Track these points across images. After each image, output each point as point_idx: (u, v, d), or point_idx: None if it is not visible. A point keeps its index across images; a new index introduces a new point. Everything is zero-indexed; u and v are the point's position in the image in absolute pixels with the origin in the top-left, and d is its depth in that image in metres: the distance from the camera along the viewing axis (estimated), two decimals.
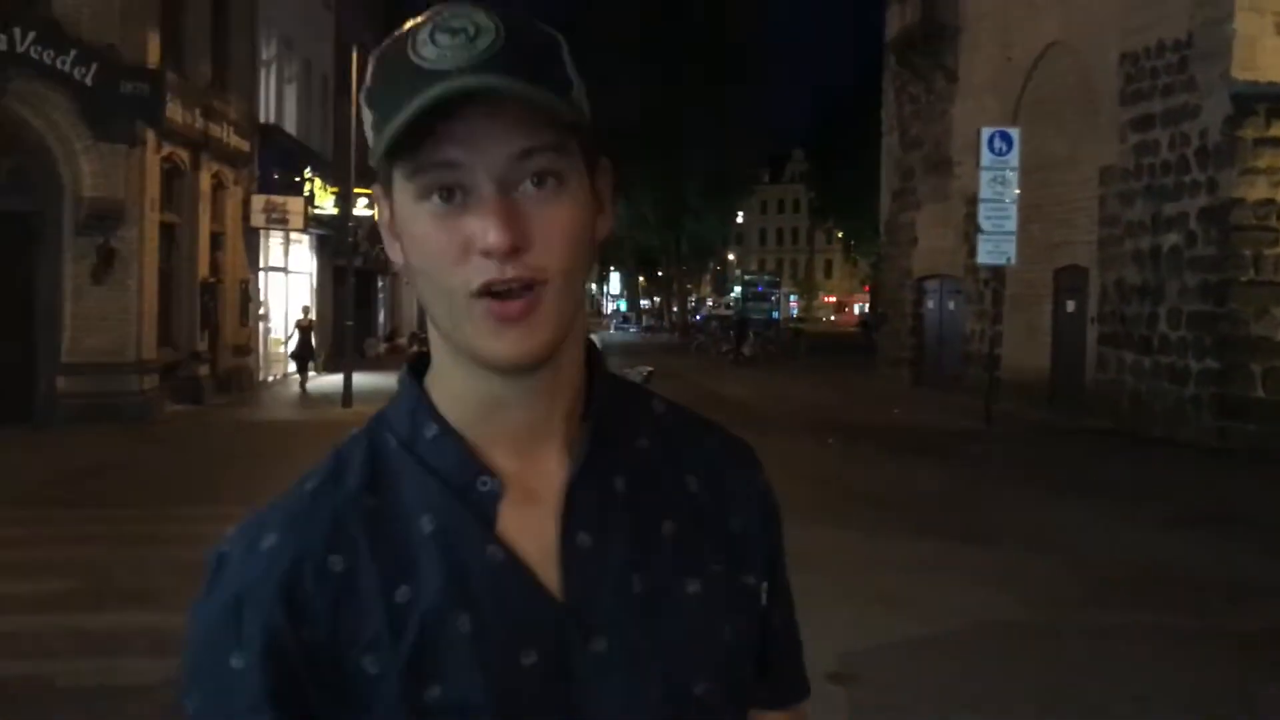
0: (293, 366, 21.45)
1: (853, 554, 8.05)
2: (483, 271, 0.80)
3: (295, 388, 20.60)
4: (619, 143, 47.72)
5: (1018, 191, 16.19)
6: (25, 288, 14.57)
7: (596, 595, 0.86)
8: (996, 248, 16.10)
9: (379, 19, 29.91)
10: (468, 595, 0.84)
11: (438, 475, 0.87)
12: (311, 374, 21.06)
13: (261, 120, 21.46)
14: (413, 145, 0.80)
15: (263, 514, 0.88)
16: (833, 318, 79.30)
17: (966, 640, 6.11)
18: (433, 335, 0.89)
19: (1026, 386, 19.01)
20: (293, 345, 21.27)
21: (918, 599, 6.87)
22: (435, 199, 0.81)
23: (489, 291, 0.80)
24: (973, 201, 16.65)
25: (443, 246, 0.81)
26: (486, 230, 0.79)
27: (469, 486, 0.86)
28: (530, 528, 0.86)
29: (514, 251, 0.79)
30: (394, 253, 0.88)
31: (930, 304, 24.35)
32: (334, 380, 19.62)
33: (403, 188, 0.82)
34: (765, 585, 0.97)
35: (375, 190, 0.89)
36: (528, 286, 0.81)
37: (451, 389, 0.88)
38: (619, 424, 0.93)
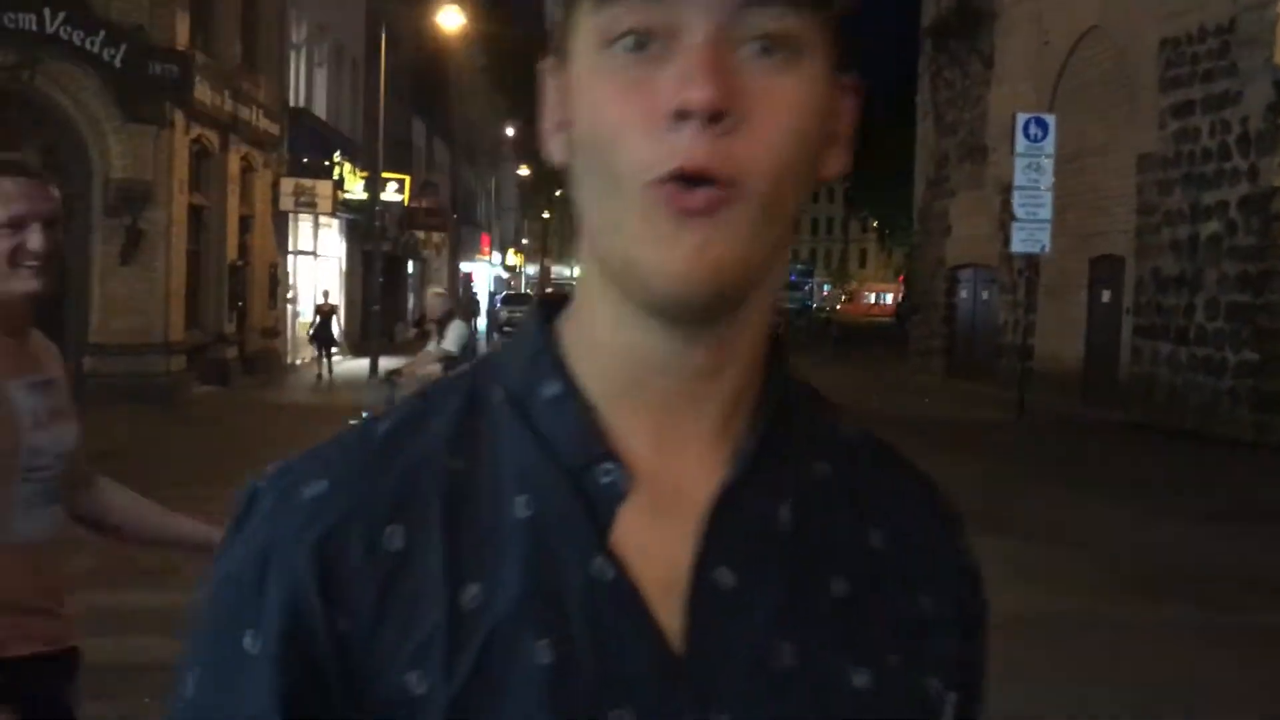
0: (315, 351, 21.55)
1: None
2: (671, 153, 0.60)
3: (318, 372, 20.63)
4: None
5: (1053, 179, 15.91)
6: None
7: (728, 655, 0.64)
8: (1031, 236, 15.85)
9: (411, 4, 29.90)
10: (556, 616, 0.63)
11: (549, 447, 0.66)
12: (337, 358, 21.12)
13: (291, 103, 21.50)
14: None
15: (317, 450, 0.68)
16: (836, 307, 78.05)
17: (994, 633, 5.97)
18: (582, 260, 0.69)
19: (1059, 378, 18.75)
20: (313, 330, 21.32)
21: None
22: (624, 45, 0.61)
23: (674, 178, 0.60)
24: (1007, 189, 16.41)
25: (623, 111, 0.61)
26: (687, 79, 0.59)
27: (587, 471, 0.66)
28: (656, 545, 0.65)
29: (718, 117, 0.59)
30: (556, 146, 0.68)
31: (964, 293, 24.09)
32: (360, 365, 19.65)
33: (585, 33, 0.63)
34: (952, 698, 0.72)
35: (544, 65, 0.69)
36: (724, 184, 0.60)
37: (590, 334, 0.68)
38: (796, 436, 0.71)
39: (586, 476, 0.65)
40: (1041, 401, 16.98)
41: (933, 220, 25.51)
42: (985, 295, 22.92)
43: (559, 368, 0.68)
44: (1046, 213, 15.75)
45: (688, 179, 0.59)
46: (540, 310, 0.71)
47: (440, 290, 11.05)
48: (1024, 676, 5.40)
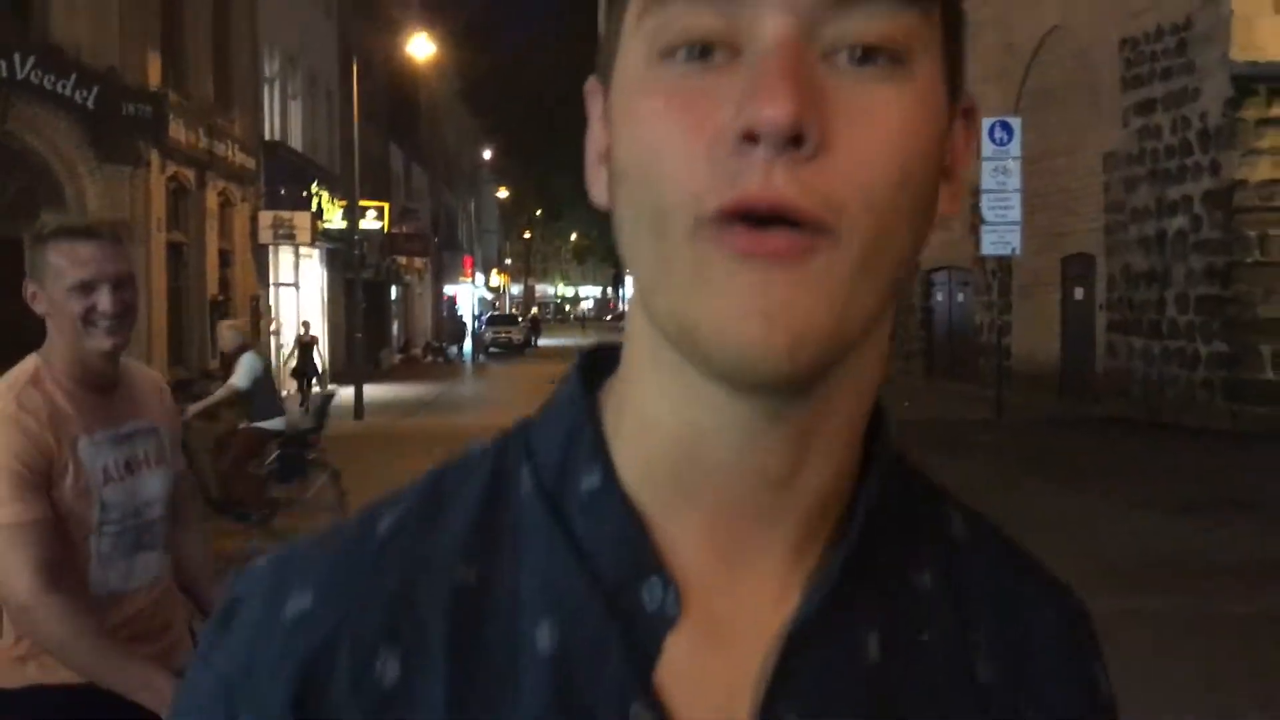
0: (295, 385, 21.29)
1: None
2: (733, 180, 0.47)
3: (301, 404, 20.38)
4: None
5: (1021, 181, 16.13)
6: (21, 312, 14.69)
7: None
8: (1001, 238, 16.05)
9: (382, 33, 30.08)
10: None
11: (584, 558, 0.53)
12: (316, 389, 21.11)
13: (267, 137, 21.61)
14: None
15: (310, 547, 0.57)
16: None
17: None
18: (631, 316, 0.56)
19: (1037, 375, 18.96)
20: (294, 362, 21.13)
21: None
22: (682, 56, 0.49)
23: (738, 214, 0.47)
24: (976, 192, 16.63)
25: (671, 128, 0.48)
26: (757, 90, 0.46)
27: (628, 589, 0.53)
28: (710, 686, 0.53)
29: (798, 140, 0.46)
30: (597, 183, 0.56)
31: (939, 296, 24.30)
32: (345, 393, 19.72)
33: (634, 42, 0.51)
34: None
35: (588, 88, 0.58)
36: (810, 226, 0.47)
37: (639, 409, 0.54)
38: (894, 542, 0.57)
39: (627, 595, 0.53)
40: (1020, 399, 17.16)
41: None
42: (960, 297, 23.14)
43: (600, 451, 0.55)
44: (1016, 214, 15.97)
45: (760, 218, 0.46)
46: (583, 371, 0.58)
47: (233, 322, 10.14)
48: None
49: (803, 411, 0.51)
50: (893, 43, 0.49)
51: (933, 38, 0.51)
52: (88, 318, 2.07)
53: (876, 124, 0.48)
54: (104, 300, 2.07)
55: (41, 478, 1.98)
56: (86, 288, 2.07)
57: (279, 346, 22.42)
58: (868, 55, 0.48)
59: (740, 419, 0.51)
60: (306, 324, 22.09)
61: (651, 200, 0.49)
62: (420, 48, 26.68)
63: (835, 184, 0.47)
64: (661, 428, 0.53)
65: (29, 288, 2.12)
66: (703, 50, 0.49)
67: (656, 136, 0.49)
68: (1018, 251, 16.28)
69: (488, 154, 56.96)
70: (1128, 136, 17.04)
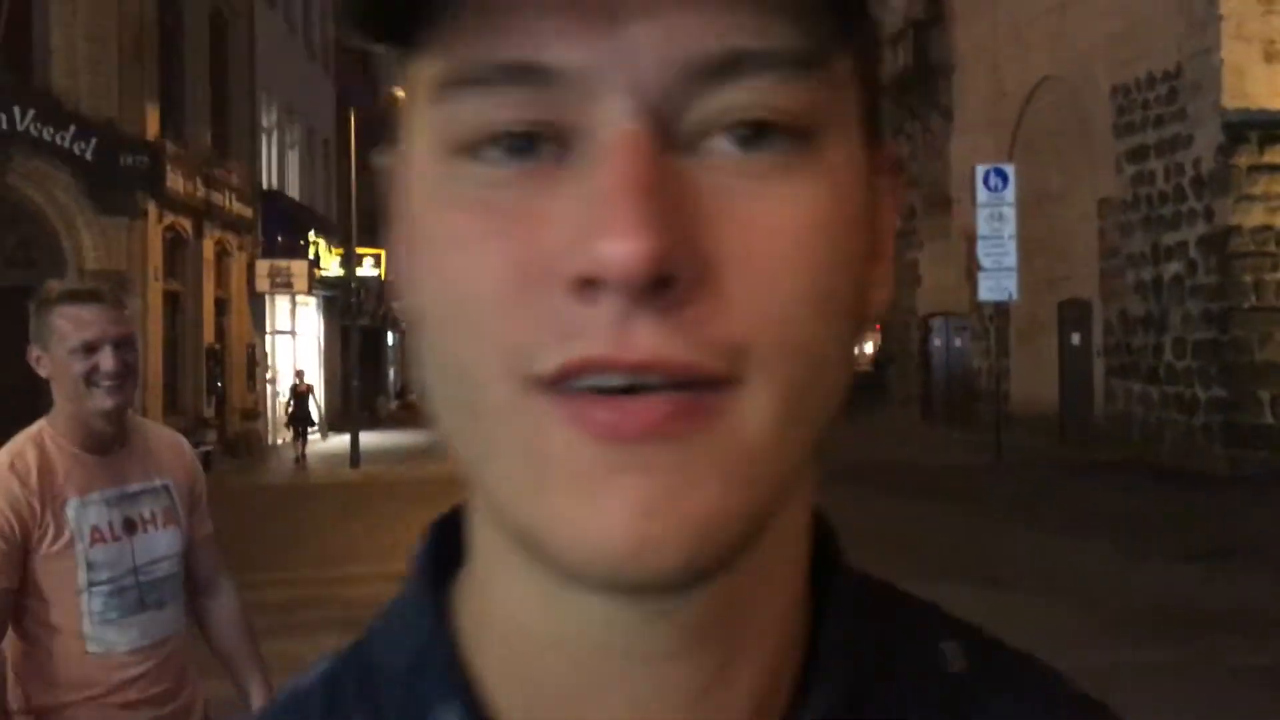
0: (291, 434, 20.99)
1: None
2: (578, 331, 0.34)
3: (295, 454, 20.07)
4: None
5: (1015, 227, 16.21)
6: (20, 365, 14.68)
7: None
8: (997, 284, 16.09)
9: (378, 82, 30.32)
10: None
11: None
12: (314, 437, 21.04)
13: (265, 186, 21.71)
14: (456, 9, 0.35)
15: None
16: None
17: None
18: (473, 499, 0.42)
19: (1036, 420, 18.91)
20: (289, 410, 20.84)
21: None
22: (494, 154, 0.36)
23: (584, 379, 0.34)
24: (973, 238, 16.69)
25: (486, 263, 0.35)
26: (597, 218, 0.34)
27: None
28: None
29: (664, 284, 0.33)
30: (399, 298, 0.41)
31: (938, 341, 24.33)
32: (341, 440, 19.64)
33: (425, 123, 0.37)
34: None
35: (379, 158, 0.43)
36: (692, 384, 0.34)
37: (503, 612, 0.41)
38: (875, 691, 0.44)
39: None
40: (1019, 444, 17.11)
41: (903, 271, 25.81)
42: (958, 342, 23.17)
43: (456, 679, 0.41)
44: (1011, 260, 16.02)
45: (605, 388, 0.34)
46: (429, 559, 0.44)
47: None
48: None
49: (714, 603, 0.37)
50: (789, 117, 0.35)
51: (844, 97, 0.37)
52: (90, 378, 2.12)
53: (778, 232, 0.35)
54: (106, 360, 2.13)
55: (14, 539, 2.03)
56: (89, 348, 2.12)
57: (275, 395, 22.38)
58: (757, 135, 0.35)
59: (630, 627, 0.37)
60: (301, 373, 22.02)
61: (460, 356, 0.36)
62: None
63: (730, 324, 0.34)
64: (533, 639, 0.39)
65: (33, 352, 2.17)
66: (519, 146, 0.35)
67: (461, 270, 0.35)
68: (1014, 297, 16.31)
69: None
70: (1122, 182, 17.13)
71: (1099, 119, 17.66)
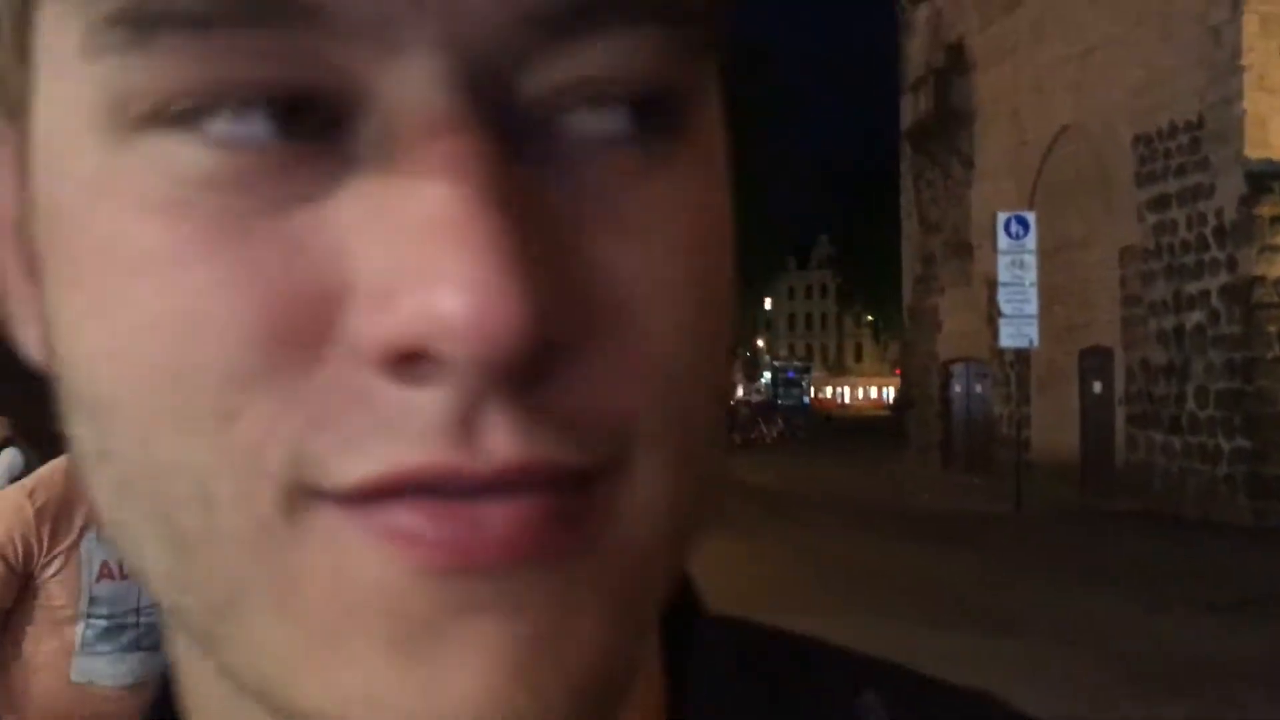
0: None
1: (875, 645, 7.93)
2: (381, 429, 0.22)
3: None
4: None
5: (1036, 274, 16.22)
6: None
7: None
8: (1018, 330, 16.07)
9: None
10: None
11: None
12: None
13: None
14: None
15: None
16: (843, 403, 70.43)
17: None
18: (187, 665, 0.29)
19: (1057, 469, 18.80)
20: None
21: None
22: (218, 127, 0.22)
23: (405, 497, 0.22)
24: (993, 285, 16.69)
25: (215, 309, 0.22)
26: (426, 253, 0.21)
27: None
28: None
29: (536, 368, 0.22)
30: (24, 331, 0.27)
31: (958, 387, 24.25)
32: None
33: (71, 85, 0.23)
34: None
35: None
36: (572, 479, 0.23)
37: None
38: None
39: None
40: (1039, 493, 17.00)
41: (923, 316, 25.82)
42: (979, 389, 23.09)
43: None
44: (1032, 308, 16.01)
45: (431, 488, 0.22)
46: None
47: None
48: None
49: None
50: (664, 87, 0.25)
51: (709, 65, 0.27)
52: None
53: (668, 253, 0.25)
54: None
55: (15, 566, 2.05)
56: None
57: None
58: (627, 113, 0.24)
59: None
60: None
61: (167, 459, 0.23)
62: None
63: (614, 393, 0.24)
64: None
65: None
66: (262, 115, 0.22)
67: (162, 318, 0.22)
68: (1035, 344, 16.28)
69: None
70: (1144, 231, 17.13)
71: (1121, 167, 17.70)
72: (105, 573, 2.09)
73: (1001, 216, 16.39)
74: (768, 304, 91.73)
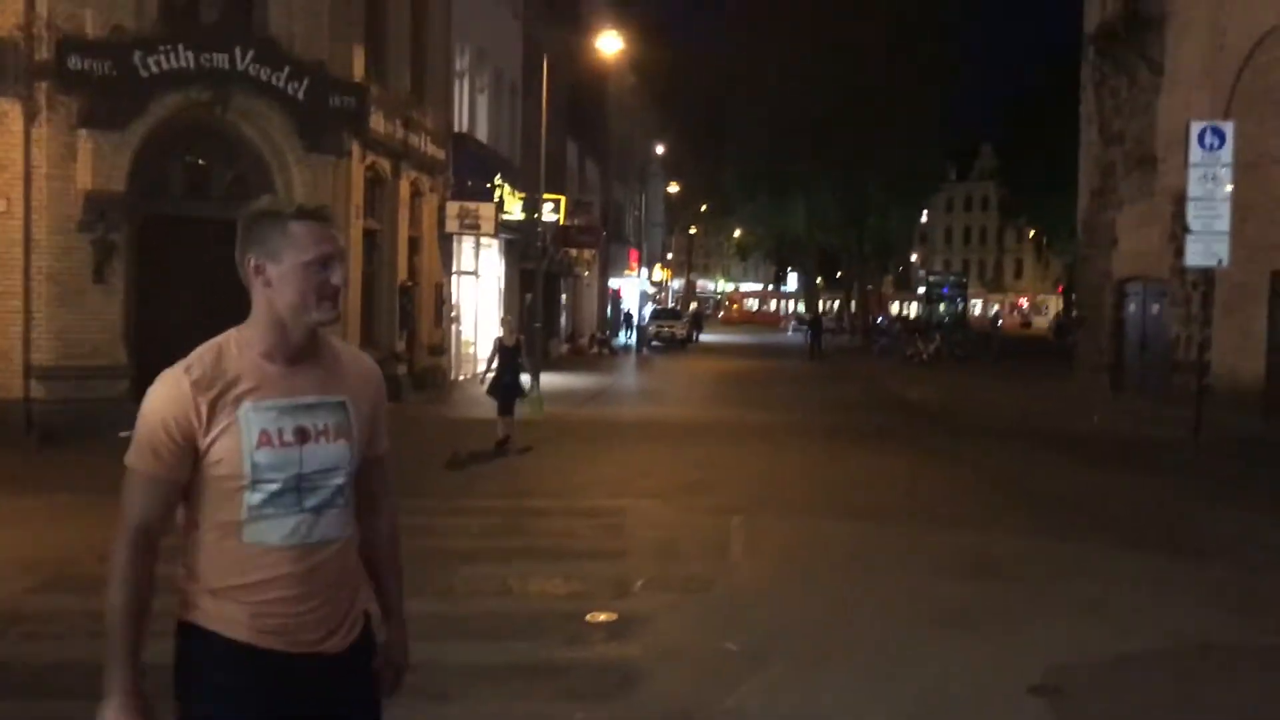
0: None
1: (1047, 563, 7.84)
2: None
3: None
4: (801, 137, 47.29)
5: (1230, 189, 15.26)
6: (241, 290, 15.53)
7: None
8: (1207, 249, 15.20)
9: (566, 26, 30.61)
10: None
11: None
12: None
13: (455, 129, 22.27)
14: None
15: None
16: (1000, 323, 61.89)
17: (1180, 660, 5.83)
18: None
19: (1239, 395, 17.92)
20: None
21: (1123, 613, 6.61)
22: None
23: None
24: (1180, 200, 15.77)
25: None
26: None
27: None
28: None
29: None
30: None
31: (1132, 307, 23.23)
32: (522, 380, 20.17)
33: None
34: None
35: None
36: None
37: None
38: None
39: None
40: (1219, 420, 16.25)
41: (1099, 232, 24.69)
42: (1155, 309, 22.06)
43: None
44: (1224, 224, 15.09)
45: None
46: None
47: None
48: (1207, 704, 5.25)
49: None
50: None
51: None
52: (321, 291, 2.22)
53: None
54: (336, 275, 2.23)
55: (178, 439, 2.14)
56: (324, 262, 2.22)
57: (458, 332, 23.10)
58: None
59: None
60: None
61: None
62: (608, 44, 27.01)
63: None
64: None
65: (252, 260, 2.23)
66: None
67: None
68: (1225, 263, 15.40)
69: (660, 149, 57.29)
70: None
71: None
72: (264, 440, 2.16)
73: (1195, 126, 15.40)
74: (924, 216, 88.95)
